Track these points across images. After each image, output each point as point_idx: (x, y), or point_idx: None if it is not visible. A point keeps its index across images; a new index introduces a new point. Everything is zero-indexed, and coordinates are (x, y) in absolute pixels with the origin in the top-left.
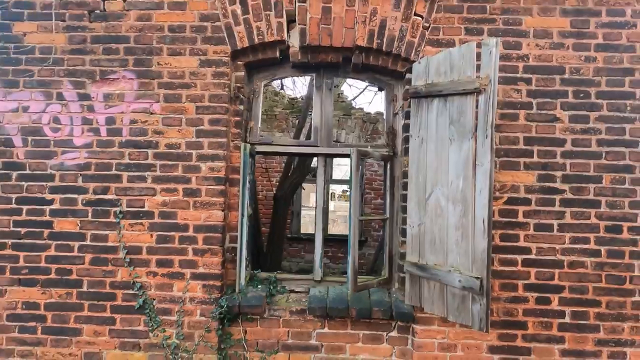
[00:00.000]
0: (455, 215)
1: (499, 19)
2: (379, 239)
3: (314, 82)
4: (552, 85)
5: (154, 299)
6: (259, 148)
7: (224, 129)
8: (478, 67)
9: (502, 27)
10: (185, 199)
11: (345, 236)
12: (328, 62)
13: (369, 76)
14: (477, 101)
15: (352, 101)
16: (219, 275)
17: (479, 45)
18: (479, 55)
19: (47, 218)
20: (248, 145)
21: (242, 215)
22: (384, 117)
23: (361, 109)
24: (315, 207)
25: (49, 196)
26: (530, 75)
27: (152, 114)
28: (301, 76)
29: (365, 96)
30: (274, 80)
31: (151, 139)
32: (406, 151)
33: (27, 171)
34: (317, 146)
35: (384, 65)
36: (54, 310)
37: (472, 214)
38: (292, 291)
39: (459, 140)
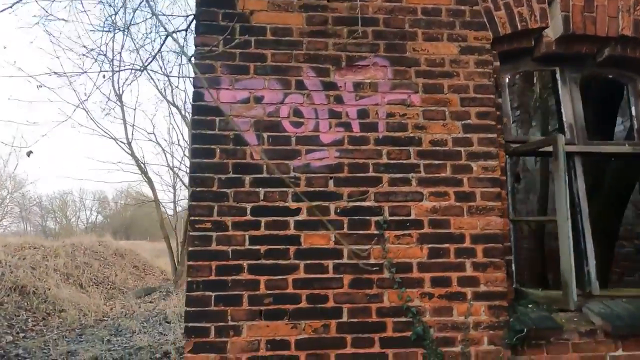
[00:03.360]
0: None
1: None
2: None
3: (559, 76)
4: None
5: (431, 327)
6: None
7: (492, 123)
8: None
9: None
10: (457, 204)
11: None
12: (573, 55)
13: (612, 71)
14: None
15: None
16: (504, 293)
17: None
18: None
19: (293, 232)
20: (562, 137)
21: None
22: (633, 113)
23: None
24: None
25: (293, 205)
26: None
27: (410, 106)
28: (542, 70)
29: None
30: (516, 73)
31: (412, 134)
32: None
33: (265, 175)
34: (574, 144)
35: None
36: (309, 349)
37: None
38: (560, 310)
39: None
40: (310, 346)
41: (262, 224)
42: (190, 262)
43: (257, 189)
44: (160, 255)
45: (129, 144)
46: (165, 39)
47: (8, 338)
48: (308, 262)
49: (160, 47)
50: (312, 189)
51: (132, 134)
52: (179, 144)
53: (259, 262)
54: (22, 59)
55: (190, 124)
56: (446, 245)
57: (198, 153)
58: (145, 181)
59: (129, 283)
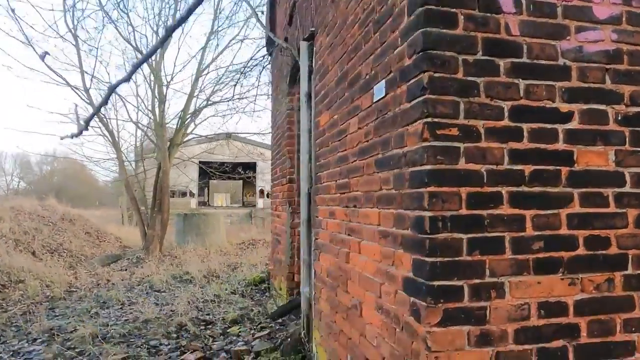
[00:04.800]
0: None
1: None
2: None
3: None
4: None
5: None
6: None
7: None
8: None
9: None
10: None
11: None
12: None
13: None
14: None
15: None
16: None
17: None
18: None
19: (562, 146)
20: None
21: None
22: None
23: None
24: None
25: (563, 106)
26: None
27: None
28: None
29: None
30: None
31: None
32: None
33: (526, 59)
34: None
35: None
36: (591, 314)
37: None
38: None
39: None
40: (592, 310)
41: (525, 133)
42: (431, 188)
43: (515, 80)
44: (106, 221)
45: (87, 91)
46: None
47: None
48: (583, 190)
49: None
50: (586, 85)
51: (91, 80)
52: (138, 95)
53: (521, 189)
54: None
55: None
56: None
57: (433, 17)
58: (106, 136)
59: (86, 251)
